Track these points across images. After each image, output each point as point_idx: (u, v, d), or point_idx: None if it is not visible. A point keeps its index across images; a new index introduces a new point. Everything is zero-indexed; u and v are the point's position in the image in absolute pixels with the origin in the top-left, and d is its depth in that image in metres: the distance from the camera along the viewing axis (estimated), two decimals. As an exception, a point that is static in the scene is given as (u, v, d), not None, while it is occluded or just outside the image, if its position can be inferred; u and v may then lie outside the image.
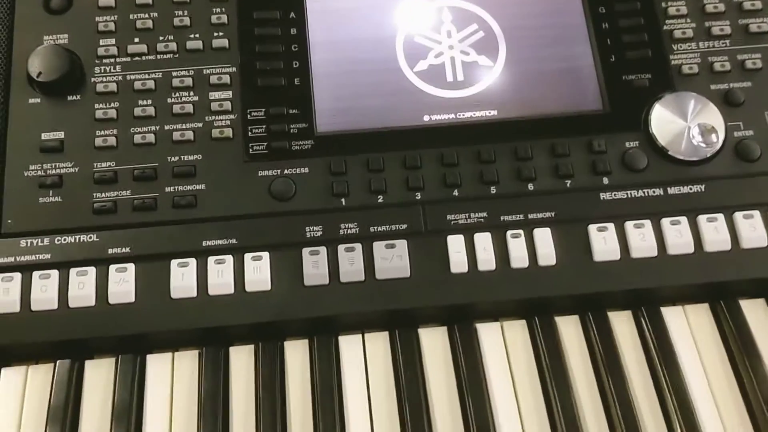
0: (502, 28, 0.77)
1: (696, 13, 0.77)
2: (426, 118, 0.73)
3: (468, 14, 0.77)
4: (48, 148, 0.70)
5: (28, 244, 0.68)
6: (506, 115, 0.74)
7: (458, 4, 0.77)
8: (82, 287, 0.66)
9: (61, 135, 0.71)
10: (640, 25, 0.76)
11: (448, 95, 0.74)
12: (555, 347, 0.67)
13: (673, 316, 0.70)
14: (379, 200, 0.70)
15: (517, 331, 0.69)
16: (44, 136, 0.71)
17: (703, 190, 0.71)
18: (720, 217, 0.70)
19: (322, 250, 0.68)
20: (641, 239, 0.69)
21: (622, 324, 0.69)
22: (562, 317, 0.70)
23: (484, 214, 0.70)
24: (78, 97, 0.72)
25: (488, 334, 0.68)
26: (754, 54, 0.75)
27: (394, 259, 0.68)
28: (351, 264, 0.68)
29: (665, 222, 0.70)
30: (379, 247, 0.68)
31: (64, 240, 0.68)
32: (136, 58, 0.73)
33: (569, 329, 0.69)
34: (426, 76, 0.75)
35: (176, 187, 0.70)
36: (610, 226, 0.70)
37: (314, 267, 0.68)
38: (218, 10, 0.75)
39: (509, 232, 0.69)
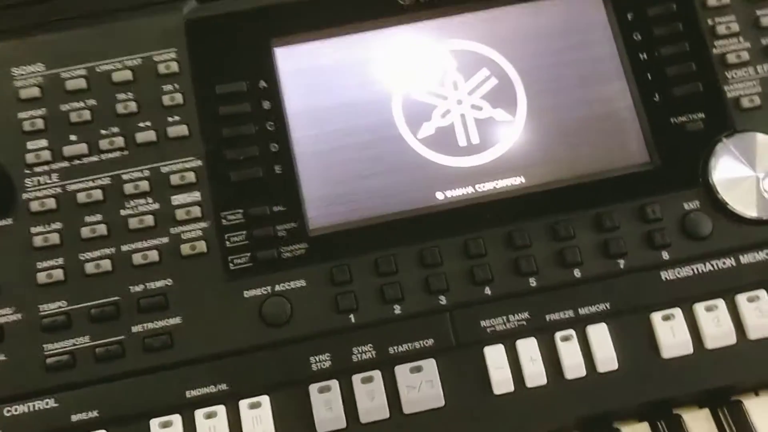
0: (518, 71, 0.63)
1: (749, 30, 0.63)
2: (440, 196, 0.60)
3: (476, 57, 0.63)
4: (-21, 293, 0.57)
5: (-30, 423, 0.55)
6: (535, 182, 0.61)
7: (463, 47, 0.63)
8: (45, 470, 0.54)
9: (-7, 273, 0.57)
10: (686, 52, 0.62)
11: (462, 164, 0.61)
12: (628, 470, 0.57)
13: (757, 409, 0.58)
14: (396, 311, 0.58)
15: (579, 454, 0.58)
16: (-28, 277, 0.57)
17: (782, 254, 0.59)
18: (806, 286, 0.59)
19: (334, 384, 0.56)
20: (716, 325, 0.58)
21: (701, 427, 0.58)
22: (628, 426, 0.58)
23: (526, 315, 0.58)
24: (9, 221, 0.58)
25: (546, 464, 0.57)
26: (823, 78, 0.62)
27: (423, 387, 0.56)
28: (371, 399, 0.56)
29: (741, 299, 0.59)
30: (402, 372, 0.57)
31: (15, 410, 0.55)
32: (76, 162, 0.59)
33: (640, 443, 0.58)
34: (433, 142, 0.61)
35: (145, 325, 0.57)
36: (677, 312, 0.58)
37: (327, 408, 0.56)
38: (169, 87, 0.61)
39: (558, 335, 0.58)
